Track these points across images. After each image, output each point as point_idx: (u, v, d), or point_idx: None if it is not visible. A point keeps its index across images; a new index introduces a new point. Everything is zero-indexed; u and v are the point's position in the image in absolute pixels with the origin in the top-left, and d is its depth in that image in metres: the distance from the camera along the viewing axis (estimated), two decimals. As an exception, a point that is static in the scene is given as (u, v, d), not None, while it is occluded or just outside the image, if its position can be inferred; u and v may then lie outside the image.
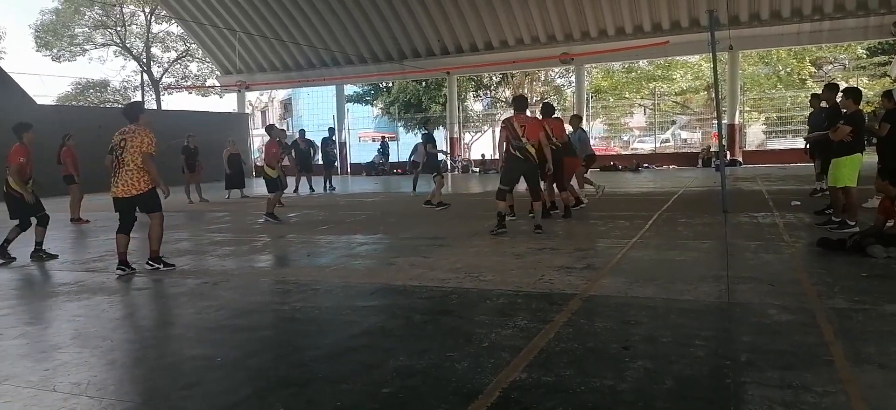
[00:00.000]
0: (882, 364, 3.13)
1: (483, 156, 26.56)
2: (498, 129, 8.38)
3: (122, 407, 3.02)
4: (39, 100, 22.48)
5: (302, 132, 17.69)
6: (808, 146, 10.53)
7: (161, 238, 6.44)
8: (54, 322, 4.75)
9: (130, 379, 3.51)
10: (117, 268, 6.28)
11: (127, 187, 6.15)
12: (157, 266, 6.34)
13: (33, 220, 7.53)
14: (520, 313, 4.27)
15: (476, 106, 35.83)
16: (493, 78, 33.96)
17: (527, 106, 8.67)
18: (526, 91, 34.97)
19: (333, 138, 18.00)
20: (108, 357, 3.77)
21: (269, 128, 11.46)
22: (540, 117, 9.27)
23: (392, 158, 27.39)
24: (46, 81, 50.19)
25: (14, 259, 7.29)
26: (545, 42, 23.10)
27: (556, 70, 32.46)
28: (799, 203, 9.71)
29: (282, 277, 6.08)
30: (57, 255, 7.58)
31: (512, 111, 8.21)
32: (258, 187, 18.21)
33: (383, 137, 30.50)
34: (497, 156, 11.75)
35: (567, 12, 21.90)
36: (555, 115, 9.84)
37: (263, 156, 11.61)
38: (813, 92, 11.35)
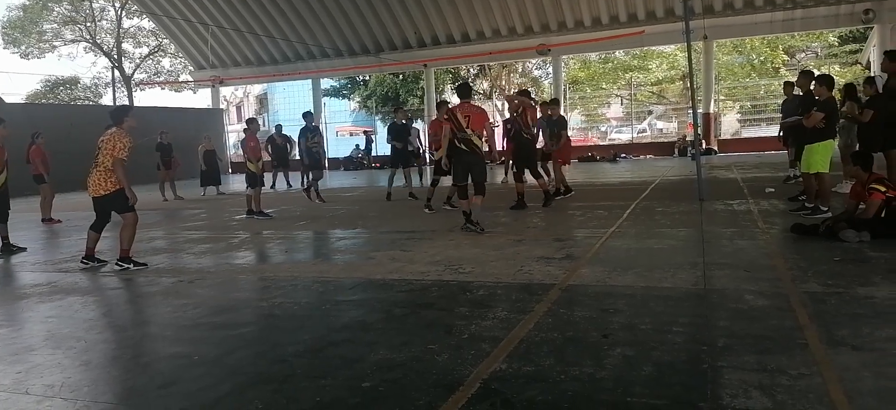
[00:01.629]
0: (855, 346, 3.19)
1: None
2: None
3: (97, 408, 2.96)
4: (8, 99, 21.97)
5: (278, 127, 17.45)
6: (781, 133, 10.71)
7: (132, 238, 6.35)
8: (26, 323, 4.65)
9: (106, 380, 3.44)
10: (82, 260, 6.52)
11: (95, 186, 6.25)
12: (126, 266, 6.25)
13: None
14: (500, 304, 4.28)
15: (454, 98, 35.81)
16: (471, 70, 33.93)
17: (471, 94, 8.30)
18: (503, 83, 35.06)
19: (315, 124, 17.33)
20: (82, 358, 3.70)
21: (249, 122, 11.27)
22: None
23: (373, 153, 27.22)
24: (14, 79, 48.98)
25: None
26: (522, 33, 23.13)
27: (534, 61, 32.55)
28: (773, 190, 9.87)
29: (260, 273, 6.01)
30: (25, 248, 7.78)
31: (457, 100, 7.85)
32: (235, 184, 18.01)
33: (366, 131, 30.35)
34: (431, 152, 11.84)
35: (543, 3, 21.95)
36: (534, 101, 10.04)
37: (244, 150, 11.35)
38: (786, 80, 11.52)
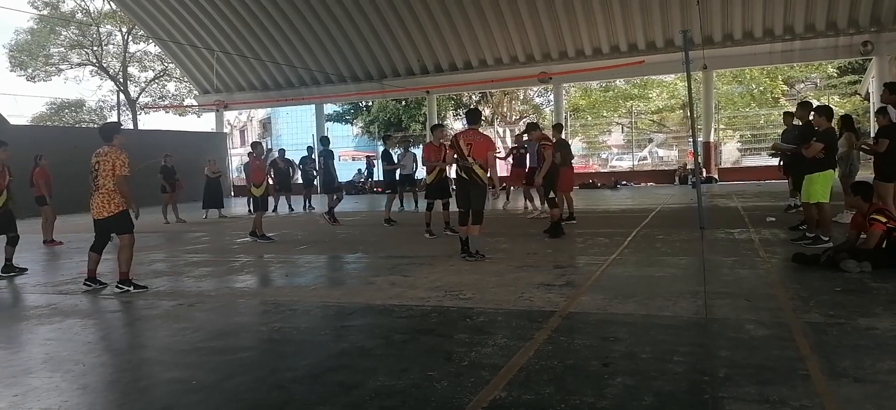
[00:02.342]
0: (857, 377, 3.17)
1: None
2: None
3: (93, 433, 2.94)
4: (13, 121, 22.11)
5: (281, 151, 17.59)
6: (781, 163, 10.73)
7: (130, 260, 6.35)
8: (25, 345, 4.63)
9: (103, 404, 3.42)
10: (84, 283, 6.50)
11: (99, 209, 6.27)
12: (126, 288, 6.24)
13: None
14: (500, 331, 4.27)
15: (456, 124, 35.98)
16: (473, 96, 34.17)
17: (480, 120, 7.92)
18: (505, 109, 35.29)
19: (313, 157, 17.84)
20: (79, 382, 3.68)
21: (254, 145, 11.32)
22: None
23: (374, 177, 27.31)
24: (20, 101, 49.40)
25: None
26: (524, 61, 23.33)
27: (535, 89, 32.78)
28: (774, 219, 9.86)
29: (260, 298, 6.00)
30: (26, 268, 7.86)
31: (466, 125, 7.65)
32: (237, 207, 18.04)
33: (368, 157, 30.46)
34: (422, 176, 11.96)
35: (545, 32, 22.17)
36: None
37: (248, 174, 11.40)
38: (786, 110, 11.59)
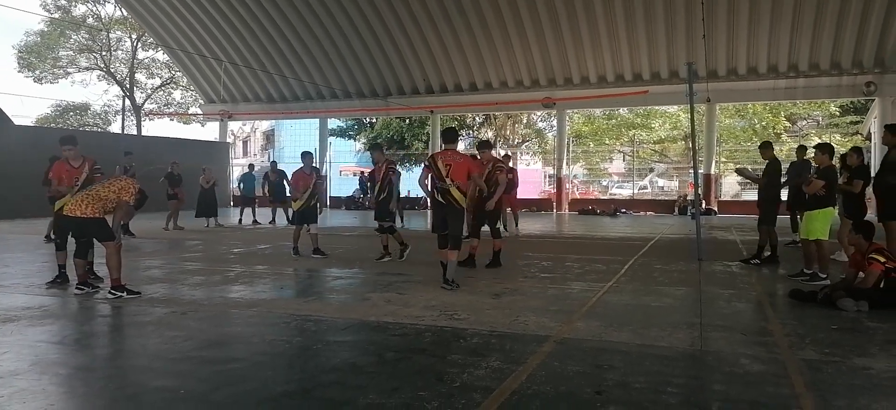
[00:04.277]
0: (851, 417, 3.14)
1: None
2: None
3: (77, 438, 2.91)
4: (18, 121, 22.19)
5: (273, 164, 17.76)
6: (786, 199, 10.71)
7: (119, 266, 6.33)
8: (14, 347, 4.59)
9: (90, 409, 3.38)
10: (76, 287, 6.49)
11: (72, 207, 6.24)
12: (119, 294, 6.21)
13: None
14: (493, 353, 4.23)
15: (459, 145, 36.18)
16: (476, 118, 34.32)
17: (457, 139, 7.43)
18: (508, 133, 35.40)
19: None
20: (66, 386, 3.65)
21: (304, 156, 10.17)
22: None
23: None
24: (26, 102, 49.63)
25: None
26: (528, 86, 23.46)
27: (538, 113, 32.92)
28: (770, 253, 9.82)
29: (253, 308, 5.96)
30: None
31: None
32: (233, 216, 18.04)
33: (363, 172, 30.46)
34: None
35: (551, 58, 22.32)
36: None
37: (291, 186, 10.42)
38: (801, 145, 11.59)
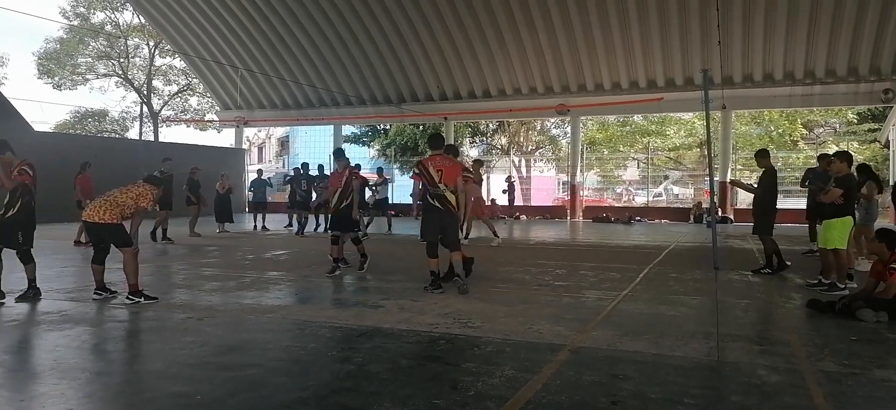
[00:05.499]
0: (871, 430, 3.10)
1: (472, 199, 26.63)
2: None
3: (96, 443, 2.94)
4: (37, 127, 22.53)
5: (296, 170, 17.79)
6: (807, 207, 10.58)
7: (136, 272, 6.40)
8: (34, 351, 4.66)
9: (107, 414, 3.42)
10: (94, 292, 6.56)
11: (91, 213, 6.36)
12: (137, 299, 6.28)
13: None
14: (507, 362, 4.23)
15: (472, 152, 36.15)
16: (490, 125, 34.33)
17: (443, 144, 7.37)
18: (521, 139, 35.38)
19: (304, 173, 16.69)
20: (85, 390, 3.69)
21: (336, 153, 9.64)
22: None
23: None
24: (45, 109, 50.52)
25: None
26: (542, 92, 23.42)
27: (552, 120, 32.85)
28: (790, 263, 9.72)
29: (269, 315, 6.00)
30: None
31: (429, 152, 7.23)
32: (248, 223, 18.15)
33: (365, 178, 30.27)
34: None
35: (564, 64, 22.28)
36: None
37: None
38: (823, 153, 11.39)
